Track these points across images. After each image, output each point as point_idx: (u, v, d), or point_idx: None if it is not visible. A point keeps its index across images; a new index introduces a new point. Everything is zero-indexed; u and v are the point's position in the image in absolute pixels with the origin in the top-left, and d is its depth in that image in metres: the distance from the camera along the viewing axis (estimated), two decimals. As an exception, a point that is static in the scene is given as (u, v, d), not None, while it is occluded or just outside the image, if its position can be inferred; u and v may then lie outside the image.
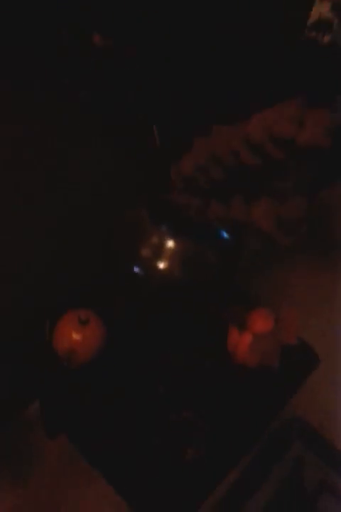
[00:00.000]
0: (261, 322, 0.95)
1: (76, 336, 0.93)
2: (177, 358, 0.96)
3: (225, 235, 0.92)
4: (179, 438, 0.85)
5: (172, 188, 0.79)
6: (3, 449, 1.09)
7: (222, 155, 0.68)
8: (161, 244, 0.89)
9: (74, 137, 0.91)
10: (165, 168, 0.79)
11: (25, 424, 1.14)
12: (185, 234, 0.89)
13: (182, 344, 0.97)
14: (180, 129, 0.79)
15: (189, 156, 0.74)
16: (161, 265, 0.89)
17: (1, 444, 1.10)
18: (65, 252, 1.02)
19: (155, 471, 0.83)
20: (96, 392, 0.92)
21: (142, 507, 0.81)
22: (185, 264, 0.89)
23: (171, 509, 0.81)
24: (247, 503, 1.08)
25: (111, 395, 0.91)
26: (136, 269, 0.90)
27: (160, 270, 0.89)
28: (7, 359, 1.01)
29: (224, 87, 0.73)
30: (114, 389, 0.92)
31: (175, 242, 0.89)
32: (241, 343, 0.92)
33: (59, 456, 1.12)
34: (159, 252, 0.89)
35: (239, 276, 1.00)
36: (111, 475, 0.86)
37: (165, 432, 0.86)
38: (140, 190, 0.95)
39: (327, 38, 0.86)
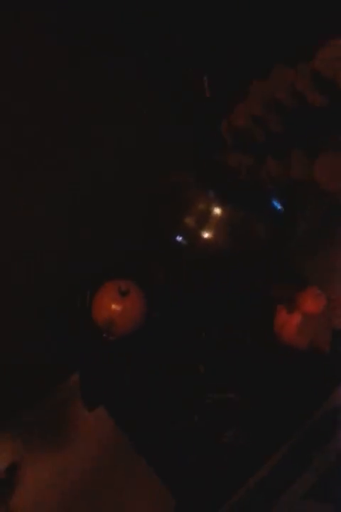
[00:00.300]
0: (311, 302, 0.84)
1: (115, 307, 0.87)
2: (220, 334, 0.87)
3: (277, 203, 0.79)
4: (218, 419, 0.79)
5: (221, 146, 0.66)
6: (43, 420, 1.04)
7: (283, 99, 0.54)
8: (207, 212, 0.79)
9: (114, 89, 0.79)
10: (215, 124, 0.66)
11: (65, 395, 1.08)
12: (233, 201, 0.78)
13: (226, 321, 0.89)
14: (234, 76, 0.65)
15: (243, 106, 0.61)
16: (206, 234, 0.79)
17: (40, 416, 1.05)
18: (105, 220, 0.94)
19: (192, 450, 0.77)
20: (135, 365, 0.86)
21: (177, 485, 0.76)
22: (232, 233, 0.79)
23: (208, 491, 0.75)
24: (283, 493, 0.94)
25: (150, 368, 0.85)
26: (179, 239, 0.80)
27: (204, 240, 0.79)
28: (47, 329, 0.94)
29: (284, 18, 0.58)
30: (153, 363, 0.86)
31: (222, 209, 0.78)
32: (289, 323, 0.82)
33: (98, 429, 1.03)
34: (204, 219, 0.79)
35: (290, 251, 0.88)
36: (147, 451, 0.82)
37: (204, 412, 0.79)
38: (185, 150, 0.83)
39: None
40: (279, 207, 0.82)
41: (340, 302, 0.86)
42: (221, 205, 0.78)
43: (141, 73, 0.76)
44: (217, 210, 0.78)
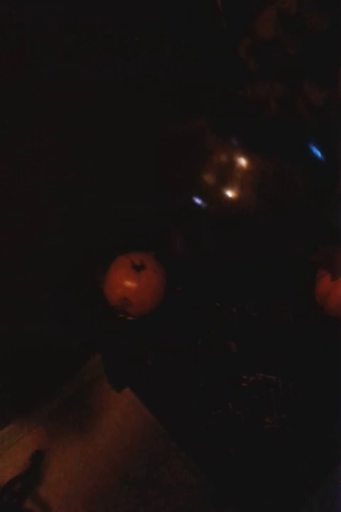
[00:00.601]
0: (359, 268, 0.80)
1: (130, 284, 0.77)
2: (252, 307, 0.81)
3: (318, 146, 0.65)
4: (256, 404, 0.71)
5: (242, 75, 0.49)
6: (68, 406, 1.03)
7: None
8: (229, 163, 0.66)
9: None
10: (233, 47, 0.49)
11: (90, 378, 1.07)
12: (261, 146, 0.65)
13: (259, 292, 0.82)
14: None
15: (270, 9, 0.43)
16: (229, 192, 0.67)
17: (65, 401, 1.03)
18: (111, 185, 0.84)
19: (228, 439, 0.69)
20: (157, 345, 0.79)
21: (215, 475, 0.70)
22: (261, 189, 0.66)
23: (246, 484, 0.67)
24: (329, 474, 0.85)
25: (175, 349, 0.77)
26: (197, 199, 0.68)
27: (228, 198, 0.66)
28: (59, 314, 0.90)
29: None
30: (177, 343, 0.78)
31: (248, 159, 0.65)
32: (334, 291, 0.76)
33: (124, 409, 1.03)
34: (227, 175, 0.66)
35: (333, 207, 0.76)
36: (178, 436, 0.79)
37: (239, 397, 0.72)
38: (198, 87, 0.67)
39: None
40: (320, 151, 0.68)
41: None
42: (246, 153, 0.65)
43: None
44: (242, 161, 0.66)
